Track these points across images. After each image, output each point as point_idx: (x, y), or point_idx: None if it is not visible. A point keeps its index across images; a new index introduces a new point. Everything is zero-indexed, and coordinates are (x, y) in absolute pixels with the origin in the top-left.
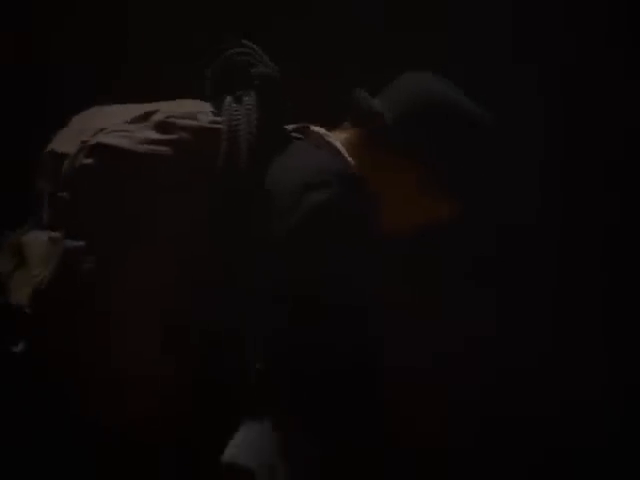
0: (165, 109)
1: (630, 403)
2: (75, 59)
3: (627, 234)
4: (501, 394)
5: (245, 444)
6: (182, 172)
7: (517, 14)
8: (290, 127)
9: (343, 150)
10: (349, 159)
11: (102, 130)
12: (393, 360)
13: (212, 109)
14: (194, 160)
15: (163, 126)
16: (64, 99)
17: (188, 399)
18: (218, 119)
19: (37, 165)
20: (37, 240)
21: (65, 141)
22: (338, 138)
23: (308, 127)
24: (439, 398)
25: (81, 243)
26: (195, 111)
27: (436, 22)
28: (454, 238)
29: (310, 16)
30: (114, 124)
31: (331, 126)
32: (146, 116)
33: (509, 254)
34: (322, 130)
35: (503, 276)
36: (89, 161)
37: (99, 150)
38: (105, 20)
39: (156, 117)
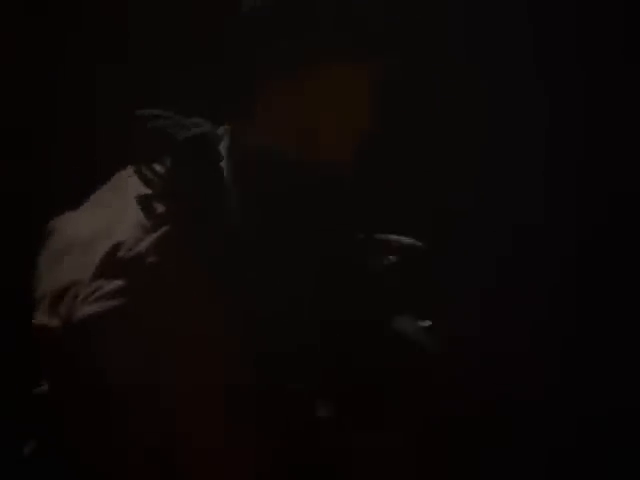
0: (123, 233)
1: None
2: (75, 59)
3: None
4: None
5: None
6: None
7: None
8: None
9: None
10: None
11: (75, 287)
12: None
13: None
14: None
15: (124, 267)
16: (64, 99)
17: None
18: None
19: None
20: None
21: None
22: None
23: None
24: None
25: None
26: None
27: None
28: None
29: None
30: (83, 280)
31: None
32: (107, 261)
33: (521, 254)
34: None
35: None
36: (73, 343)
37: (77, 328)
38: (105, 20)
39: (118, 257)
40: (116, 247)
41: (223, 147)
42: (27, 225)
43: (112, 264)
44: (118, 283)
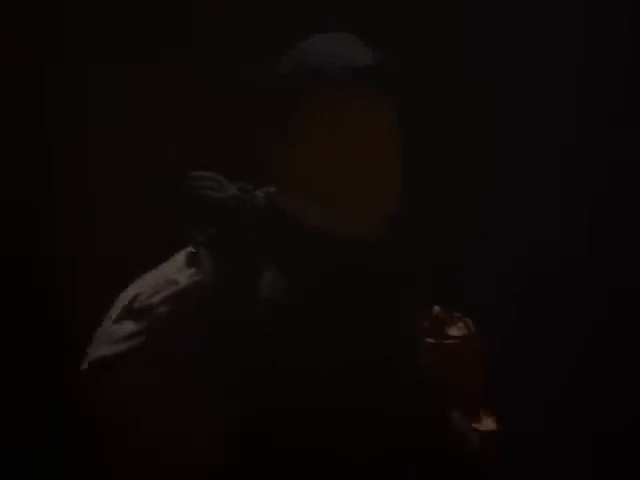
0: (147, 286)
1: None
2: (76, 59)
3: None
4: None
5: None
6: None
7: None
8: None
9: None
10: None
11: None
12: None
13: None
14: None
15: (139, 314)
16: (64, 99)
17: None
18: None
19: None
20: None
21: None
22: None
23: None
24: None
25: None
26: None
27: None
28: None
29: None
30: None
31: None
32: (128, 308)
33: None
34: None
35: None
36: (88, 383)
37: (89, 372)
38: (106, 19)
39: (135, 305)
40: (135, 297)
41: (260, 210)
42: None
43: (128, 311)
44: (130, 328)
